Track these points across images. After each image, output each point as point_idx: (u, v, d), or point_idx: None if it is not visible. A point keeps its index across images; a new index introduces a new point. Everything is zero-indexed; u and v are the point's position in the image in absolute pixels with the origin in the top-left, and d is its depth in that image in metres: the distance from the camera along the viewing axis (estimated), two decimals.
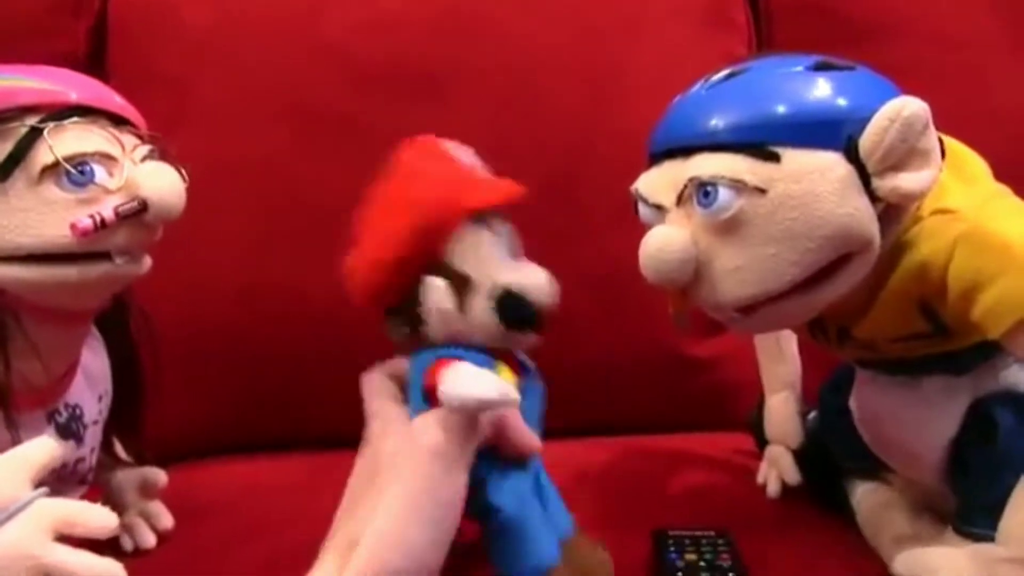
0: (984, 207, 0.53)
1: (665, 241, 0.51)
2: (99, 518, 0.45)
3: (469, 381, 0.44)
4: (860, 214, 0.49)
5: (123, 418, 0.70)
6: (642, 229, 0.54)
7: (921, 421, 0.58)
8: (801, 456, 0.72)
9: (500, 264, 0.48)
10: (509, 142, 0.87)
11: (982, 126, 0.58)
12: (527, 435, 0.48)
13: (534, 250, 0.87)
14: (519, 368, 0.50)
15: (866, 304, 0.55)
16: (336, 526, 0.50)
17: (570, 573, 0.48)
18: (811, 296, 0.52)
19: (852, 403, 0.65)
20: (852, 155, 0.49)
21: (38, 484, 0.46)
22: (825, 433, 0.71)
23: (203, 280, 0.83)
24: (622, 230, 0.83)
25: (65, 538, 0.44)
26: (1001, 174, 0.57)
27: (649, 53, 0.92)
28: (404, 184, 0.49)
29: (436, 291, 0.45)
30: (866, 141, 0.49)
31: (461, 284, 0.46)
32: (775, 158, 0.49)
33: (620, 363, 0.90)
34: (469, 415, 0.44)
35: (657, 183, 0.54)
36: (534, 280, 0.47)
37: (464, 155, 0.50)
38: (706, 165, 0.51)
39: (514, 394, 0.44)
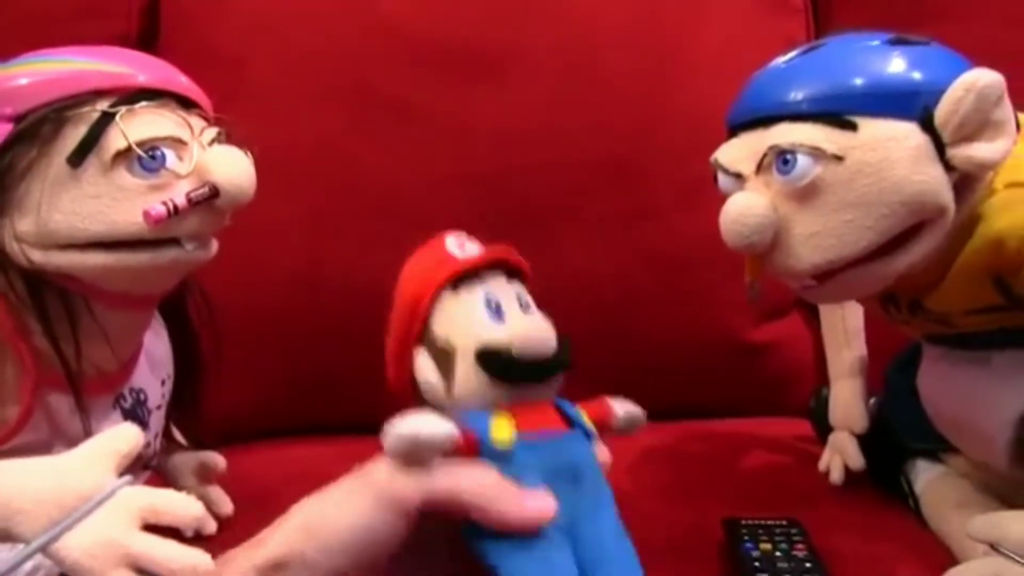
0: None
1: (746, 206, 0.56)
2: (184, 506, 0.48)
3: (410, 423, 0.42)
4: (934, 182, 0.54)
5: (183, 402, 0.74)
6: (703, 211, 0.59)
7: (990, 397, 0.62)
8: (863, 442, 0.77)
9: (483, 324, 0.46)
10: (569, 123, 0.93)
11: None
12: (516, 505, 0.41)
13: (596, 232, 0.93)
14: (562, 417, 0.47)
15: (939, 276, 0.59)
16: None
17: None
18: (885, 263, 0.56)
19: (919, 381, 0.69)
20: (927, 125, 0.54)
21: (122, 472, 0.49)
22: (891, 414, 0.75)
23: (255, 263, 0.88)
24: (684, 211, 0.91)
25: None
26: None
27: (709, 34, 0.97)
28: (401, 284, 0.50)
29: (418, 363, 0.46)
30: (941, 111, 0.54)
31: (443, 354, 0.46)
32: (852, 127, 0.54)
33: (680, 346, 0.95)
34: (410, 457, 0.42)
35: (737, 152, 0.59)
36: (519, 328, 0.46)
37: (461, 242, 0.50)
38: (786, 134, 0.56)
39: (451, 432, 0.42)
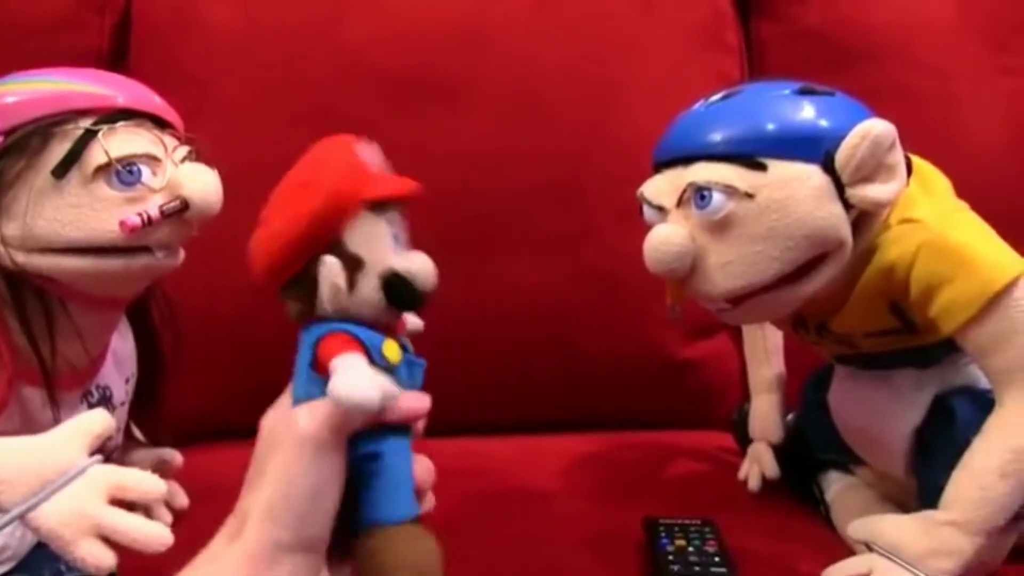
0: (945, 219, 0.65)
1: (667, 236, 0.63)
2: (149, 483, 0.53)
3: (359, 384, 0.48)
4: (834, 218, 0.62)
5: (144, 400, 0.79)
6: (638, 234, 0.66)
7: (890, 411, 0.70)
8: (780, 453, 0.84)
9: (390, 251, 0.53)
10: (517, 149, 1.00)
11: (950, 147, 0.70)
12: (413, 402, 0.52)
13: (538, 249, 1.00)
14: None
15: (842, 301, 0.67)
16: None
17: (392, 559, 0.51)
18: (792, 290, 0.64)
19: (830, 398, 0.77)
20: (828, 167, 0.62)
21: (93, 452, 0.52)
22: (806, 427, 0.83)
23: (218, 272, 0.89)
24: (620, 234, 0.98)
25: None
26: (964, 192, 0.70)
27: (648, 70, 1.04)
28: (310, 170, 0.55)
29: (329, 268, 0.51)
30: (840, 155, 0.61)
31: (353, 264, 0.52)
32: (762, 168, 0.62)
33: (613, 361, 1.01)
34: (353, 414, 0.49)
35: (660, 188, 0.66)
36: (419, 266, 0.54)
37: (371, 154, 0.57)
38: (703, 173, 0.63)
39: (396, 392, 0.50)
